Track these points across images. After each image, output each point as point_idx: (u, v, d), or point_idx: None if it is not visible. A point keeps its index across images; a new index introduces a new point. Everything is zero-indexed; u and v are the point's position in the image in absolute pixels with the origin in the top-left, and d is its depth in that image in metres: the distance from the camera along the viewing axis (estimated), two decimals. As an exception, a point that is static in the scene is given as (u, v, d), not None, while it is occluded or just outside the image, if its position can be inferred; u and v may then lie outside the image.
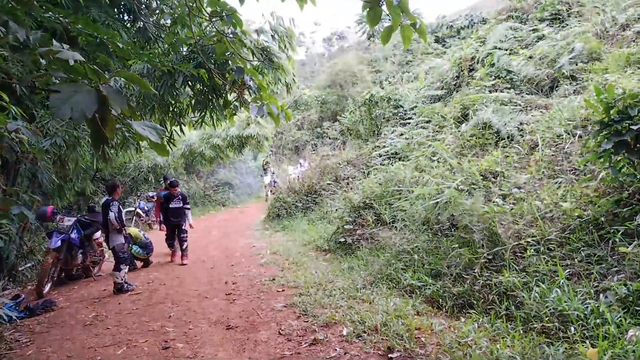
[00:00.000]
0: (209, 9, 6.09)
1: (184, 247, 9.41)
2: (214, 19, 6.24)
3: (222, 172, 21.84)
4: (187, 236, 9.53)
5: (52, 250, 7.22)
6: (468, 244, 5.18)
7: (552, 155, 6.26)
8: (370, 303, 5.05)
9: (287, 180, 18.31)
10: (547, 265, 4.31)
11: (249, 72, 6.10)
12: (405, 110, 12.46)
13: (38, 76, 3.94)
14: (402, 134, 10.59)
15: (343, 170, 12.21)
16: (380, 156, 10.74)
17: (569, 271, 4.16)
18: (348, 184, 11.17)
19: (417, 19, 3.47)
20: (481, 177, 6.45)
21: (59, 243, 7.28)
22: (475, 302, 4.51)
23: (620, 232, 4.12)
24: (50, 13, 4.09)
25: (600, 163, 4.75)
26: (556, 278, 4.08)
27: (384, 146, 11.12)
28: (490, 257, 4.82)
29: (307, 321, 4.84)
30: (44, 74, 3.49)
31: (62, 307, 6.45)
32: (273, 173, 20.61)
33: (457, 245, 5.17)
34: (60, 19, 4.19)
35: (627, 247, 3.88)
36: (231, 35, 6.23)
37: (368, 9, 3.44)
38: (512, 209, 5.36)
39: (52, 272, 7.38)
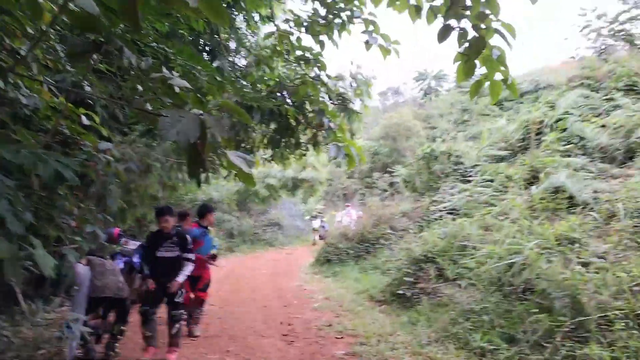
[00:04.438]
0: (295, 53, 6.40)
1: (174, 331, 5.23)
2: (300, 61, 6.52)
3: (273, 212, 22.08)
4: (182, 313, 5.38)
5: None
6: (547, 310, 4.93)
7: (636, 226, 5.99)
8: (438, 362, 4.86)
9: (335, 226, 18.22)
10: (638, 342, 4.05)
11: (329, 114, 6.28)
12: (466, 168, 12.31)
13: (147, 99, 4.17)
14: (464, 190, 10.44)
15: (398, 221, 12.04)
16: (440, 211, 10.57)
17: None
18: (402, 236, 10.98)
19: (509, 75, 3.40)
20: (556, 242, 6.21)
21: (122, 265, 7.43)
22: (557, 373, 4.27)
23: None
24: (154, 43, 4.38)
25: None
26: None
27: (443, 201, 10.96)
28: (573, 326, 4.57)
29: (373, 373, 4.69)
30: (153, 97, 3.67)
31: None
32: (323, 218, 20.55)
33: (536, 310, 4.93)
34: (165, 48, 4.47)
35: None
36: (315, 78, 6.47)
37: (462, 62, 3.41)
38: (593, 279, 5.10)
39: None
